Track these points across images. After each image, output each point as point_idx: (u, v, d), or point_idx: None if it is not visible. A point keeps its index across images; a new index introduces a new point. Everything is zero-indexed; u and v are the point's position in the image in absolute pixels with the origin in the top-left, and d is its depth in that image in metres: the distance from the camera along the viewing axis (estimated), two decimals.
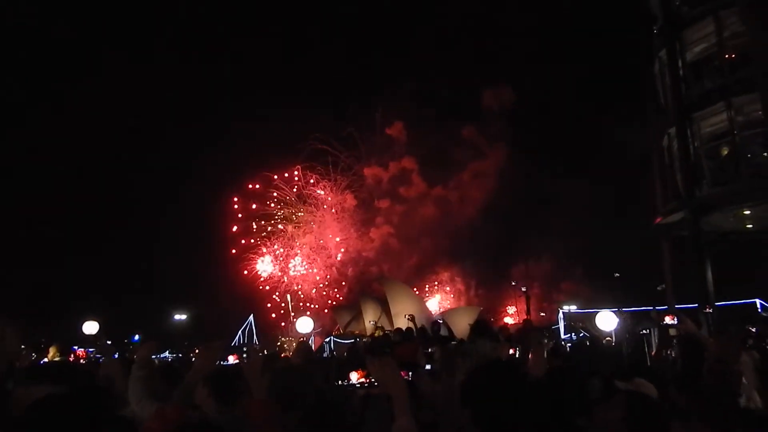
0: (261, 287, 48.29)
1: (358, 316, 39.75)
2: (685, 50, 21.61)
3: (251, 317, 49.44)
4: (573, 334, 27.92)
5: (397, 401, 2.65)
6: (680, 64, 21.61)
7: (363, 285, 46.11)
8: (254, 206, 48.54)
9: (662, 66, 22.68)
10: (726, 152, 20.78)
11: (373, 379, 3.27)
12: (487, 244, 44.70)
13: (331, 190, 50.43)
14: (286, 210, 49.54)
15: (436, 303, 48.04)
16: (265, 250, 48.94)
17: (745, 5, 19.52)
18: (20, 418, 2.72)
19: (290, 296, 47.57)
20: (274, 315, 48.24)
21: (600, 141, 37.81)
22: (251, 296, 48.16)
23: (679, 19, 21.69)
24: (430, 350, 8.95)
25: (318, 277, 49.60)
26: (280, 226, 49.48)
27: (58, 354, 11.33)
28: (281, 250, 49.26)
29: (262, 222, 49.03)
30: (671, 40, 21.86)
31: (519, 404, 2.34)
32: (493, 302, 47.41)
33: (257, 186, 48.49)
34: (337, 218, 50.53)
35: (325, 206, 50.26)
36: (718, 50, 20.71)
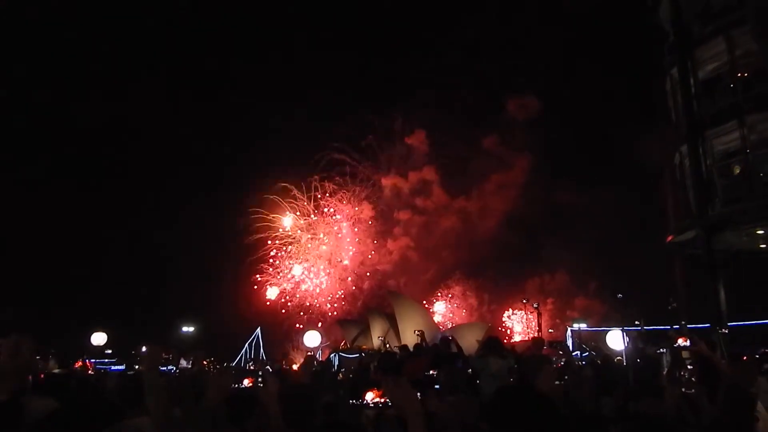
0: (268, 303, 48.07)
1: (365, 330, 39.62)
2: (697, 68, 21.57)
3: (258, 330, 49.31)
4: (580, 352, 27.69)
5: (412, 424, 2.61)
6: (692, 81, 21.56)
7: (378, 299, 45.64)
8: (269, 217, 48.37)
9: (674, 83, 22.65)
10: (738, 170, 20.65)
11: (387, 400, 3.25)
12: (504, 257, 44.54)
13: (349, 201, 50.16)
14: (301, 221, 49.33)
15: (441, 315, 47.60)
16: (283, 261, 48.61)
17: (757, 23, 19.48)
18: (36, 429, 2.73)
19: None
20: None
21: (617, 156, 37.75)
22: (259, 309, 48.03)
23: (690, 38, 21.69)
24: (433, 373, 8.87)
25: (325, 290, 49.30)
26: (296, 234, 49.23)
27: (57, 366, 11.37)
28: (299, 265, 48.89)
29: (277, 234, 48.83)
30: (683, 58, 21.84)
31: (541, 426, 2.33)
32: (504, 318, 47.13)
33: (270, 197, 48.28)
34: (354, 230, 50.18)
35: (340, 217, 49.90)
36: (730, 68, 20.64)
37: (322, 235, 49.85)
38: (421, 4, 50.59)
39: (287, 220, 48.41)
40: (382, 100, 47.78)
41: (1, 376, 2.83)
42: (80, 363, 17.09)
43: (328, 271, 49.39)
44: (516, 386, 2.70)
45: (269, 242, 48.44)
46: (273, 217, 48.44)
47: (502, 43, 43.58)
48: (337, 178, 49.34)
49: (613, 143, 38.13)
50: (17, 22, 43.13)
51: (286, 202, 48.69)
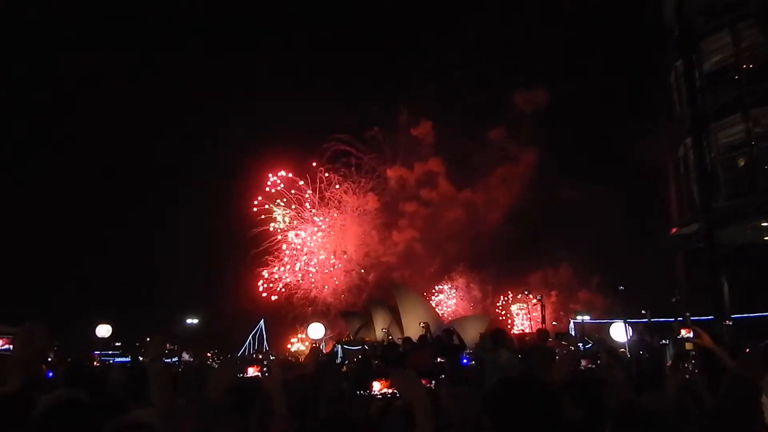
0: (272, 294, 48.05)
1: (368, 323, 39.69)
2: (701, 61, 21.46)
3: (262, 322, 49.47)
4: (583, 344, 27.71)
5: (420, 417, 2.62)
6: (696, 74, 21.47)
7: (383, 291, 45.57)
8: (273, 208, 48.23)
9: (678, 76, 22.54)
10: (742, 163, 20.58)
11: (395, 391, 3.26)
12: (508, 250, 44.57)
13: (354, 193, 49.97)
14: (305, 212, 49.21)
15: (445, 307, 47.61)
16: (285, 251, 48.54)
17: (762, 16, 19.38)
18: (37, 421, 2.75)
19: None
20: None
21: (620, 151, 37.65)
22: (263, 301, 48.09)
23: (695, 31, 21.57)
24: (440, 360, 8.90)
25: (330, 282, 49.21)
26: (299, 229, 49.10)
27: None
28: (302, 258, 48.80)
29: (280, 226, 48.72)
30: (687, 51, 21.73)
31: (543, 420, 2.33)
32: (507, 311, 47.19)
33: (272, 186, 48.00)
34: (359, 222, 50.00)
35: (351, 211, 49.71)
36: (734, 61, 20.55)
37: (324, 223, 49.79)
38: (423, 4, 50.61)
39: (279, 215, 48.44)
40: (386, 94, 47.74)
41: (11, 366, 2.83)
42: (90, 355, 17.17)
43: (332, 262, 49.36)
44: (519, 377, 2.70)
45: (270, 233, 48.41)
46: (276, 210, 48.38)
47: (503, 42, 43.50)
48: (343, 170, 49.24)
49: (616, 139, 38.06)
50: (17, 22, 43.09)
51: (291, 193, 48.67)
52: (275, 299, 47.87)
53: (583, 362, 10.18)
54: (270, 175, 47.51)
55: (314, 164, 48.46)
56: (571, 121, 44.80)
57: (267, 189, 47.71)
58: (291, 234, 49.04)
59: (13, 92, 43.52)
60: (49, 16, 46.60)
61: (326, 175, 49.02)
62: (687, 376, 4.52)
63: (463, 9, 48.78)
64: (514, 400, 2.37)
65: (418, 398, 2.67)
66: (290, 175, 48.17)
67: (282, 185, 48.12)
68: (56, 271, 43.68)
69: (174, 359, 18.39)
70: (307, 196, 48.96)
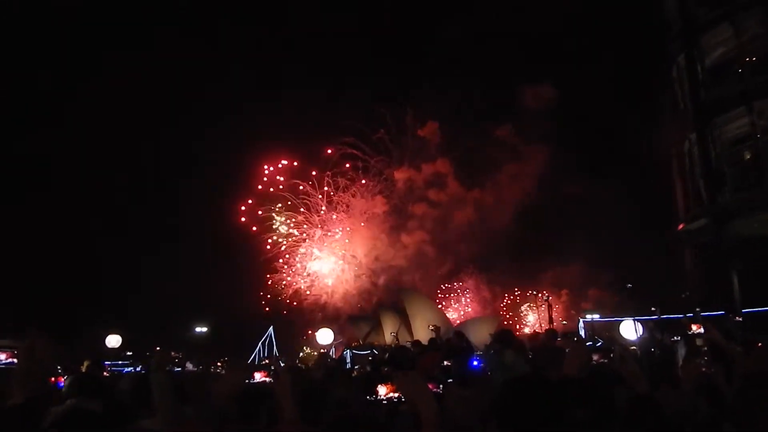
0: (284, 299, 48.01)
1: (377, 327, 39.65)
2: (703, 54, 21.38)
3: (271, 329, 49.50)
4: (593, 343, 27.59)
5: (426, 420, 2.59)
6: (699, 68, 21.39)
7: (393, 295, 45.35)
8: (278, 214, 48.25)
9: (680, 71, 22.45)
10: (748, 156, 20.46)
11: (401, 395, 3.23)
12: (518, 250, 44.41)
13: (362, 196, 49.87)
14: (312, 216, 49.22)
15: (453, 310, 47.57)
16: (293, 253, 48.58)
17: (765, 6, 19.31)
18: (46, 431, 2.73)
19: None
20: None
21: (628, 147, 37.48)
22: (272, 307, 48.09)
23: (696, 24, 21.49)
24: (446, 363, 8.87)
25: (339, 287, 49.20)
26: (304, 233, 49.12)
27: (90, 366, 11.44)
28: (311, 262, 48.77)
29: (288, 230, 48.73)
30: (689, 45, 21.65)
31: (549, 420, 2.29)
32: (517, 311, 47.06)
33: (277, 188, 48.01)
34: (367, 225, 49.84)
35: (356, 212, 49.62)
36: (737, 53, 20.46)
37: (339, 230, 49.80)
38: (426, 2, 50.47)
39: (283, 227, 48.54)
40: (392, 95, 47.61)
41: (15, 380, 2.82)
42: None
43: (341, 267, 49.34)
44: (525, 378, 2.66)
45: (270, 241, 48.38)
46: (276, 219, 48.44)
47: (506, 38, 43.35)
48: (350, 173, 49.21)
49: (621, 135, 37.88)
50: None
51: (298, 198, 48.70)
52: (285, 305, 47.91)
53: (595, 357, 10.15)
54: (266, 166, 47.54)
55: (329, 151, 48.21)
56: (575, 118, 44.57)
57: (259, 187, 47.71)
58: (296, 232, 49.14)
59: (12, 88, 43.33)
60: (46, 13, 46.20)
61: (334, 179, 49.10)
62: (704, 369, 4.46)
63: (464, 8, 48.59)
64: (520, 401, 2.34)
65: (423, 401, 2.65)
66: (295, 163, 48.31)
67: (283, 179, 48.14)
68: (63, 282, 43.79)
69: (179, 368, 18.46)
70: (319, 197, 49.05)
